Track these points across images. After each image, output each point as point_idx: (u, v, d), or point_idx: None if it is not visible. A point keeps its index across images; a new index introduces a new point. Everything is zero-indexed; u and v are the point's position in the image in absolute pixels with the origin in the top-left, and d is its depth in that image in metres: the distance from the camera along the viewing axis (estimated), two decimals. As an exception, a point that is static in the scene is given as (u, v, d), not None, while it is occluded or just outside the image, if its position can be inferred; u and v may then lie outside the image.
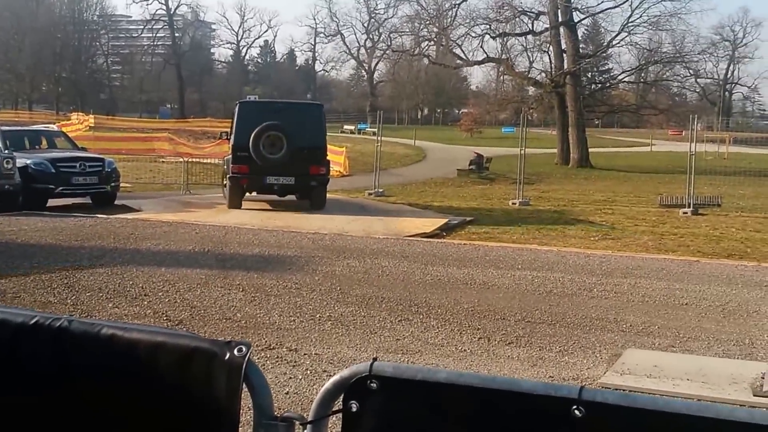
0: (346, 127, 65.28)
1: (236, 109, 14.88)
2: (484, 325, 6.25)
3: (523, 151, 18.68)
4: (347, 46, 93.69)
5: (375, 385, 1.50)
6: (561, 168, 34.46)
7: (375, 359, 1.53)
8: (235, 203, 14.68)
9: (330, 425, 1.57)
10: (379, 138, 21.82)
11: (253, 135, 14.02)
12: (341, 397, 1.54)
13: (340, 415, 1.53)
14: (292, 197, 15.38)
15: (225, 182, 15.77)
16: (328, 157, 15.73)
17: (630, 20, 37.78)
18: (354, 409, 1.51)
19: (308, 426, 1.56)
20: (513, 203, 17.77)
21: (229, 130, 16.76)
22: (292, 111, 15.56)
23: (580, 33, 43.00)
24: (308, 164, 14.40)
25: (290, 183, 14.47)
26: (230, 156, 14.71)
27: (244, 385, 1.56)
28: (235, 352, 1.56)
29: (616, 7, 37.91)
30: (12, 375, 1.76)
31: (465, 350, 5.55)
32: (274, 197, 15.44)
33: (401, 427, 1.50)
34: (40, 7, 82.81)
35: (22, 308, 2.07)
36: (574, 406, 1.35)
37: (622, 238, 12.11)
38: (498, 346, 5.70)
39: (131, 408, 1.67)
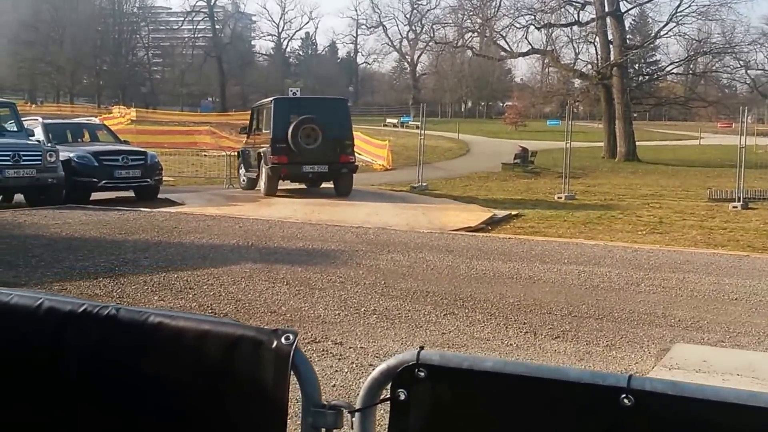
0: (389, 120, 65.29)
1: (272, 105, 16.21)
2: (530, 319, 6.21)
3: (568, 145, 18.46)
4: (389, 37, 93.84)
5: (423, 373, 1.50)
6: (607, 162, 33.99)
7: (422, 348, 1.53)
8: (272, 191, 15.97)
9: (377, 415, 1.58)
10: (422, 131, 21.75)
11: (291, 127, 15.34)
12: (388, 386, 1.54)
13: (387, 403, 1.53)
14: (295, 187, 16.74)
15: (241, 174, 18.21)
16: (354, 148, 17.45)
17: (678, 10, 37.08)
18: (402, 398, 1.52)
19: (356, 414, 1.56)
20: (558, 197, 17.58)
21: (248, 125, 18.20)
22: (322, 105, 17.33)
23: (627, 23, 42.25)
24: (339, 154, 15.97)
25: (324, 171, 16.06)
26: (267, 147, 15.88)
27: (291, 374, 1.56)
28: (282, 340, 1.56)
29: (664, -4, 37.18)
30: (59, 362, 1.78)
31: (511, 344, 5.52)
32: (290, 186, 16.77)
33: (449, 415, 1.50)
34: (80, 0, 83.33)
35: (70, 296, 2.12)
36: (623, 395, 1.34)
37: (670, 232, 11.89)
38: (544, 340, 5.65)
39: (178, 395, 1.69)
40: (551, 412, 1.42)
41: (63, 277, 7.35)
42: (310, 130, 15.47)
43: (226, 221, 11.81)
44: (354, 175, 16.95)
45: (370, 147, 32.20)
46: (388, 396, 1.53)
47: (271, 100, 16.68)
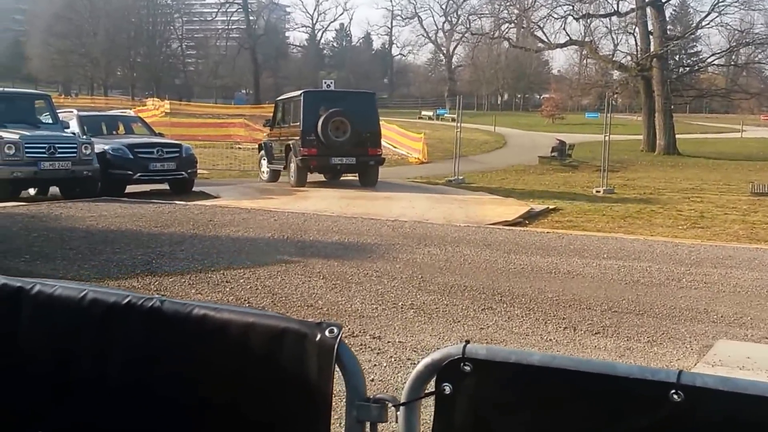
0: (424, 113, 64.97)
1: (301, 98, 16.52)
2: (570, 314, 6.13)
3: (607, 137, 18.20)
4: (425, 29, 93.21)
5: (468, 367, 1.49)
6: (646, 155, 33.45)
7: (468, 341, 1.52)
8: (301, 182, 16.43)
9: (421, 409, 1.56)
10: (459, 124, 21.63)
11: (321, 120, 15.74)
12: (433, 380, 1.53)
13: (431, 397, 1.53)
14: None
15: (263, 165, 18.64)
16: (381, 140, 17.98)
17: (720, 0, 36.18)
18: (447, 392, 1.51)
19: (401, 408, 1.56)
20: (597, 191, 17.36)
21: (272, 118, 18.53)
22: (350, 99, 17.86)
23: (667, 13, 41.51)
24: (367, 146, 16.39)
25: (352, 163, 16.44)
26: (297, 139, 16.28)
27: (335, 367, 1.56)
28: (327, 333, 1.57)
29: (706, -14, 36.44)
30: (103, 354, 1.79)
31: (551, 340, 5.46)
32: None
33: (495, 410, 1.49)
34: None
35: (114, 288, 2.11)
36: (672, 391, 1.33)
37: (712, 227, 11.66)
38: (584, 336, 5.58)
39: (222, 388, 1.69)
40: (599, 407, 1.40)
41: (100, 270, 7.45)
42: (339, 122, 15.86)
43: (261, 214, 11.88)
44: (381, 167, 17.32)
45: (405, 140, 32.13)
46: (433, 390, 1.52)
47: (300, 93, 16.99)
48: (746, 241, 10.30)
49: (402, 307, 6.25)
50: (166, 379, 1.74)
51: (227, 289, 6.79)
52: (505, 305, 6.39)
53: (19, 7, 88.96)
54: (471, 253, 8.75)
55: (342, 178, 18.06)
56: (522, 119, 61.33)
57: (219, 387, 1.69)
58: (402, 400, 1.55)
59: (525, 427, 1.46)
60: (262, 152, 19.09)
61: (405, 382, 5.01)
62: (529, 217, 12.64)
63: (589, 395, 1.41)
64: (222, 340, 1.66)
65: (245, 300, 6.41)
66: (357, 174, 17.10)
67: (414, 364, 5.01)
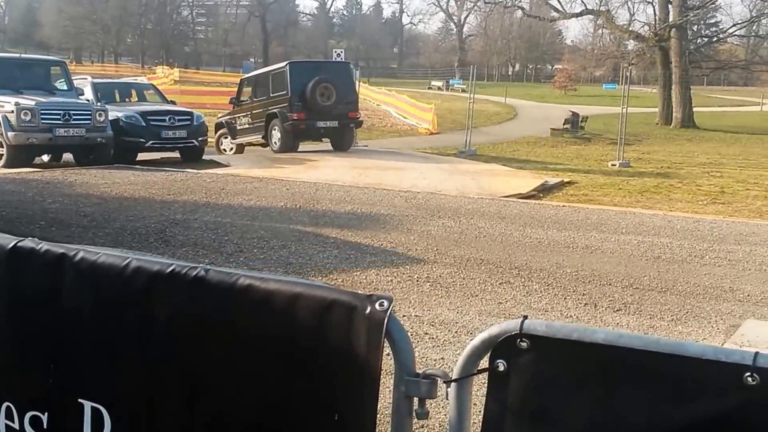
0: (434, 83, 64.33)
1: (287, 68, 17.58)
2: (590, 290, 5.97)
3: (624, 110, 17.87)
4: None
5: (525, 344, 1.43)
6: (662, 128, 32.96)
7: (525, 317, 1.46)
8: (287, 147, 17.16)
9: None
10: (471, 95, 21.31)
11: (310, 85, 16.79)
12: (487, 356, 1.48)
13: (482, 375, 1.48)
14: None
15: (226, 142, 19.20)
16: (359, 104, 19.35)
17: (742, -31, 35.37)
18: (501, 369, 1.45)
19: (452, 384, 1.51)
20: (612, 164, 17.08)
21: (236, 96, 19.24)
22: (330, 68, 19.19)
23: (687, -18, 40.49)
24: (348, 110, 17.62)
25: (335, 126, 17.42)
26: (283, 107, 17.14)
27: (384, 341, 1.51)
28: (377, 306, 1.52)
29: (727, -46, 35.59)
30: (148, 322, 1.78)
31: (571, 316, 5.31)
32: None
33: (552, 389, 1.42)
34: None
35: (159, 256, 2.10)
36: (747, 374, 1.26)
37: (733, 202, 11.41)
38: (606, 312, 5.42)
39: (269, 358, 1.65)
40: (668, 389, 1.33)
41: (115, 239, 7.34)
42: (324, 88, 16.96)
43: (273, 183, 11.73)
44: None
45: (415, 110, 31.78)
46: (486, 367, 1.47)
47: (286, 64, 18.15)
48: (769, 217, 10.07)
49: (417, 280, 6.10)
50: (209, 350, 1.72)
51: (241, 259, 6.66)
52: (522, 279, 6.24)
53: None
54: (486, 225, 8.57)
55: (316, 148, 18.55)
56: (534, 90, 60.63)
57: (265, 358, 1.66)
58: (453, 377, 1.51)
59: (585, 409, 1.39)
60: (223, 130, 19.42)
61: (422, 357, 4.81)
62: (544, 190, 12.42)
63: (658, 376, 1.33)
64: (268, 311, 1.63)
65: (260, 270, 6.26)
66: (330, 140, 18.08)
67: (431, 338, 4.89)
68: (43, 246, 1.92)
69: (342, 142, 17.93)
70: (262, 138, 17.87)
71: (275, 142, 17.47)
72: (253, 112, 18.23)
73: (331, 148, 18.04)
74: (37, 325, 1.92)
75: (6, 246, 1.96)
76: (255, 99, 18.40)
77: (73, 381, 1.88)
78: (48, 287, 1.89)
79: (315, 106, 16.87)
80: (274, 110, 17.35)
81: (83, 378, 1.87)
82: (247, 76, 20.47)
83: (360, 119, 18.80)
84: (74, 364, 1.87)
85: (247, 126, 18.45)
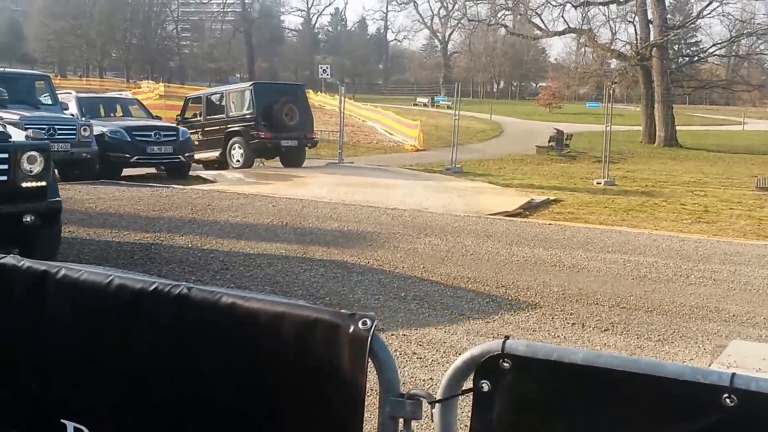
0: (419, 99, 64.55)
1: (252, 88, 18.24)
2: (577, 309, 5.97)
3: (608, 128, 18.00)
4: (420, 14, 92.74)
5: (508, 364, 1.43)
6: (646, 146, 33.24)
7: (507, 337, 1.46)
8: (249, 164, 17.71)
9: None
10: (456, 112, 21.40)
11: (277, 106, 17.51)
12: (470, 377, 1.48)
13: (466, 395, 1.48)
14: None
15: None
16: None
17: (722, -11, 35.94)
18: (485, 389, 1.46)
19: (437, 405, 1.50)
20: (598, 183, 17.18)
21: (182, 113, 19.64)
22: (290, 90, 20.21)
23: (667, 2, 40.92)
24: (306, 130, 18.49)
25: (295, 145, 18.17)
26: (246, 126, 17.67)
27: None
28: (360, 324, 1.51)
29: (707, -26, 36.16)
30: (130, 339, 1.76)
31: (559, 336, 5.30)
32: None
33: (535, 408, 1.43)
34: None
35: (142, 274, 2.10)
36: (725, 395, 1.27)
37: (717, 222, 11.49)
38: (593, 332, 5.42)
39: (251, 377, 1.64)
40: (646, 409, 1.34)
41: (99, 255, 7.26)
42: (289, 109, 17.68)
43: (259, 200, 11.68)
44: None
45: (401, 126, 31.85)
46: (471, 387, 1.48)
47: (251, 85, 18.90)
48: (753, 237, 10.14)
49: (405, 298, 6.08)
50: (192, 367, 1.71)
51: (227, 277, 6.61)
52: (510, 298, 6.23)
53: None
54: (472, 243, 8.57)
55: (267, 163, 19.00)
56: (518, 108, 60.99)
57: (247, 376, 1.64)
58: (438, 397, 1.51)
59: (566, 428, 1.41)
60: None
61: (410, 378, 4.78)
62: (530, 208, 12.46)
63: (636, 397, 1.35)
64: (251, 329, 1.62)
65: (246, 288, 6.21)
66: (286, 157, 18.51)
67: (419, 358, 4.85)
68: (25, 263, 1.90)
69: (297, 160, 18.61)
70: (219, 156, 18.19)
71: (237, 160, 17.85)
72: (206, 129, 18.54)
73: (281, 165, 18.53)
74: (18, 343, 1.90)
75: None
76: (209, 117, 18.67)
77: (55, 400, 1.85)
78: (29, 305, 1.87)
79: (281, 126, 17.52)
80: (236, 128, 17.81)
81: (65, 397, 1.84)
82: (193, 95, 21.09)
83: (316, 139, 19.57)
84: (56, 384, 1.86)
85: (196, 143, 18.39)
